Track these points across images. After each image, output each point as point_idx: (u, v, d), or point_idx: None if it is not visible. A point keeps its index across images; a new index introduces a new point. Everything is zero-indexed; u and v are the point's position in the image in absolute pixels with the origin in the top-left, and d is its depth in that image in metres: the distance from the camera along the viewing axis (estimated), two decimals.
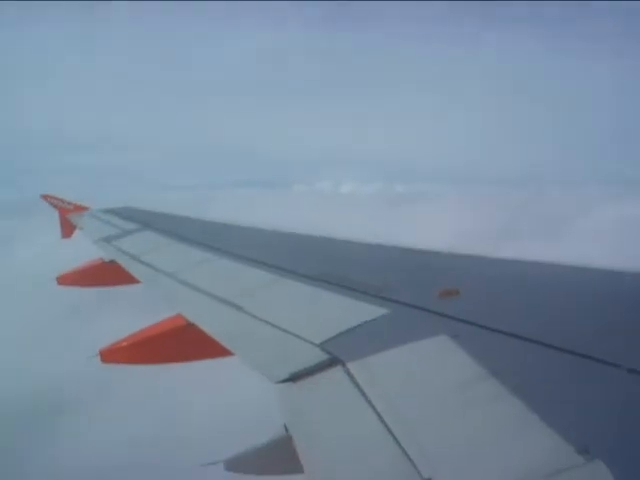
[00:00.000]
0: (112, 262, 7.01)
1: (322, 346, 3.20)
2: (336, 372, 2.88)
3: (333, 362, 2.98)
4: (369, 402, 2.53)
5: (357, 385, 2.70)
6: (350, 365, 2.88)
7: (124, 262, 6.69)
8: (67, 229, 10.71)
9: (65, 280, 7.74)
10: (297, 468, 2.39)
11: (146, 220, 8.65)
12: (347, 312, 3.63)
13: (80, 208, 11.01)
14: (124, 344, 4.57)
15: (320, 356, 3.09)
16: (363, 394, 2.61)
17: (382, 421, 2.37)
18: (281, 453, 2.75)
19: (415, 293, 3.69)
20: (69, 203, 11.23)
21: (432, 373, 2.73)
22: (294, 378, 2.95)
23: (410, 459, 2.10)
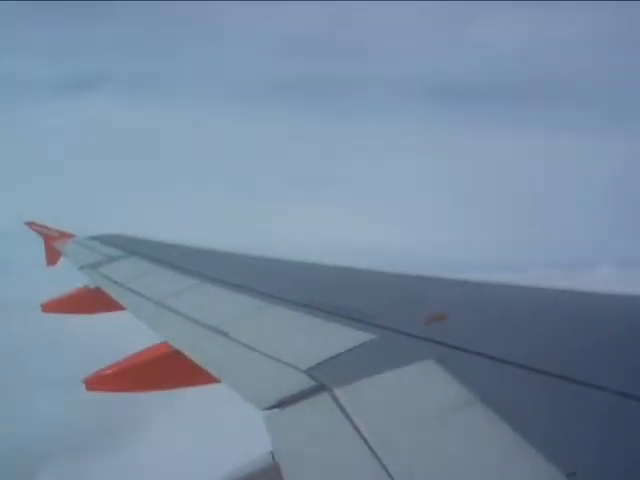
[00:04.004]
0: (97, 289, 6.99)
1: (309, 372, 3.19)
2: (323, 398, 2.88)
3: (320, 388, 2.97)
4: (356, 428, 2.52)
5: (344, 411, 2.69)
6: (337, 391, 2.88)
7: (109, 289, 6.66)
8: (52, 256, 10.65)
9: (50, 307, 7.69)
10: None
11: (131, 247, 8.62)
12: (334, 338, 3.63)
13: (65, 235, 10.95)
14: (109, 372, 4.54)
15: (307, 382, 3.08)
16: (350, 420, 2.60)
17: (369, 447, 2.36)
18: None
19: (402, 318, 3.69)
20: (55, 230, 11.17)
21: (419, 398, 2.73)
22: (281, 405, 2.94)
23: None
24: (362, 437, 2.44)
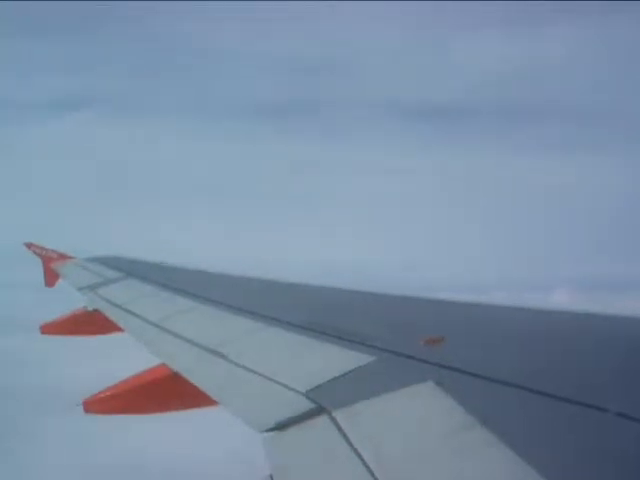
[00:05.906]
0: (96, 311, 6.98)
1: (308, 394, 3.18)
2: (322, 421, 2.87)
3: (319, 411, 2.96)
4: (355, 451, 2.51)
5: (343, 434, 2.68)
6: (336, 413, 2.87)
7: (108, 311, 6.65)
8: (51, 278, 10.67)
9: (49, 329, 7.69)
10: None
11: (130, 269, 8.62)
12: (333, 360, 3.62)
13: (64, 257, 10.96)
14: (107, 394, 4.53)
15: (306, 405, 3.07)
16: (349, 443, 2.59)
17: (369, 470, 2.35)
18: None
19: (400, 340, 3.69)
20: (53, 252, 11.18)
21: (419, 421, 2.72)
22: (280, 427, 2.93)
23: None
24: (361, 460, 2.43)
